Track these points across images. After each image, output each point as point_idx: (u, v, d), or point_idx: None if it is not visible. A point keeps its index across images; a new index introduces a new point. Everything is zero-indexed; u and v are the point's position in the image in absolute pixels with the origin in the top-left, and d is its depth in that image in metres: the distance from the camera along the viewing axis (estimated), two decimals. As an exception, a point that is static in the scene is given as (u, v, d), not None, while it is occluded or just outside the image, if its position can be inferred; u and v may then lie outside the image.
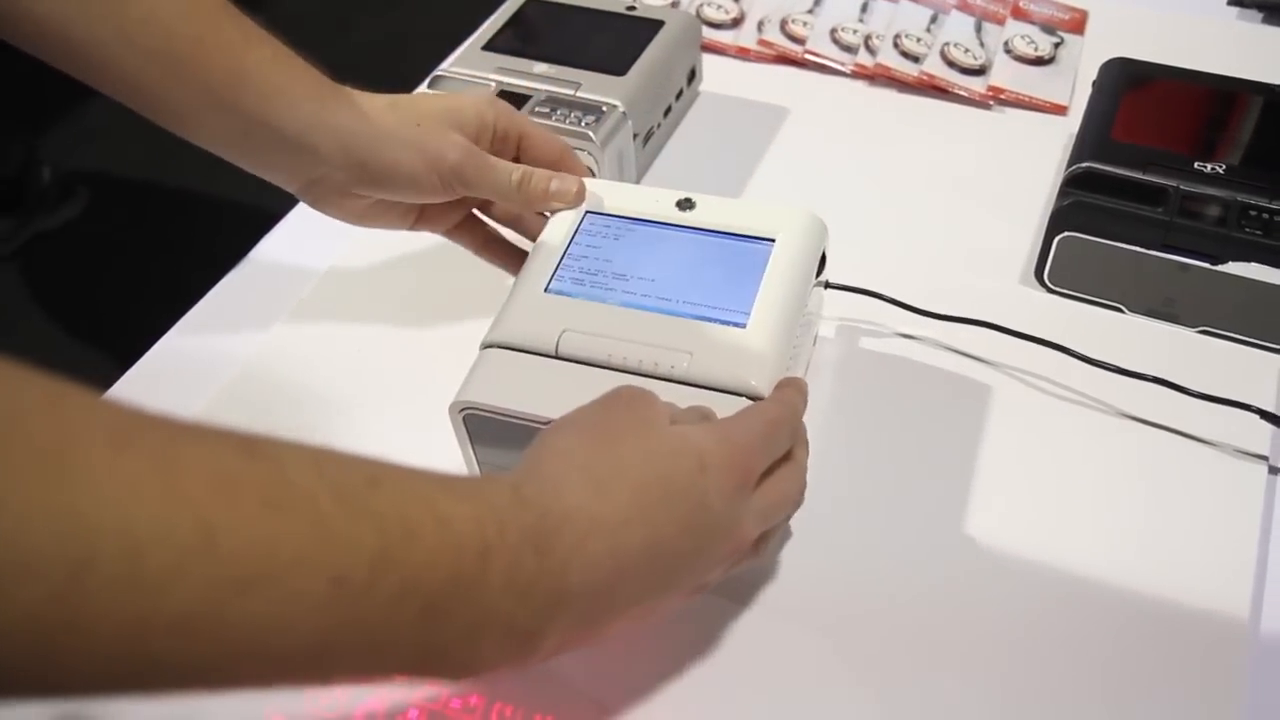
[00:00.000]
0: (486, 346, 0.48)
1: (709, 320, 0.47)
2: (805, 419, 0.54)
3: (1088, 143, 0.60)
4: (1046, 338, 0.55)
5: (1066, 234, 0.58)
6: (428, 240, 0.58)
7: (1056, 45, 0.77)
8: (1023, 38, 0.77)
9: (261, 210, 0.70)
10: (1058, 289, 0.61)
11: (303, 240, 0.68)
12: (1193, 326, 0.58)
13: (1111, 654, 0.45)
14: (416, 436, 0.54)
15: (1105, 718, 0.43)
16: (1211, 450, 0.53)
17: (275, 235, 0.69)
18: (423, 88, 0.67)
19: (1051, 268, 0.60)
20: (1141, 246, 0.57)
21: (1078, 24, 0.79)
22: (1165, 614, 0.47)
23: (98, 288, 1.75)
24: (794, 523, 0.50)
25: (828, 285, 0.56)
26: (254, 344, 0.61)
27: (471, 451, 0.49)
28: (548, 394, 0.45)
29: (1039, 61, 0.76)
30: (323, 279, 0.65)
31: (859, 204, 0.67)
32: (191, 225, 1.82)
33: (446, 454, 0.49)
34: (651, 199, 0.53)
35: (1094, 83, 0.65)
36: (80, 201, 1.88)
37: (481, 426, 0.47)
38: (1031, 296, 0.61)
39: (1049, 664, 0.45)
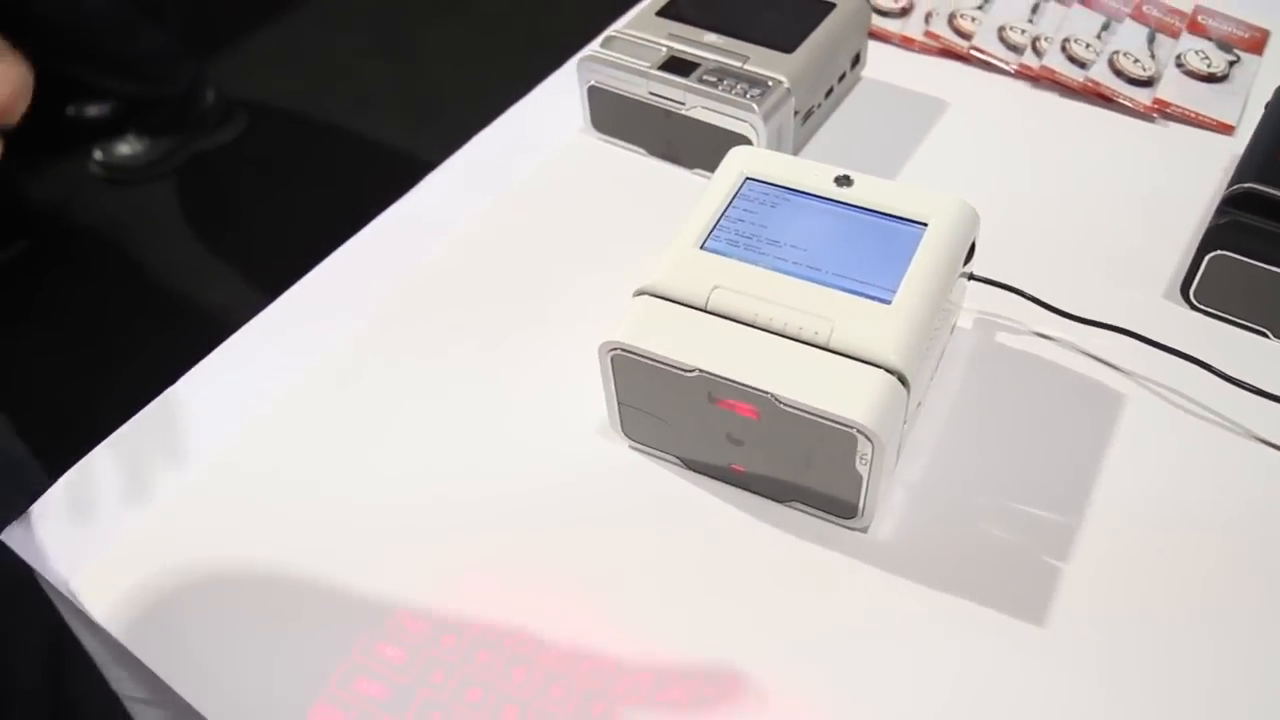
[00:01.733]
0: (639, 294, 0.51)
1: (856, 294, 0.49)
2: (932, 406, 0.56)
3: (1253, 163, 0.59)
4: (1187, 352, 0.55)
5: (1219, 252, 0.58)
6: (586, 191, 0.61)
7: (1231, 63, 0.76)
8: (1197, 53, 0.76)
9: (409, 156, 0.74)
10: (1202, 307, 0.60)
11: (471, 176, 0.71)
12: (1340, 360, 0.58)
13: (1226, 683, 0.46)
14: (562, 369, 0.58)
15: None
16: (1345, 485, 0.52)
17: (436, 176, 0.72)
18: (595, 45, 0.70)
19: (1199, 285, 0.60)
20: (1297, 273, 0.56)
21: (1258, 44, 0.78)
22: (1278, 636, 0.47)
23: (246, 211, 1.84)
24: (912, 505, 0.52)
25: (971, 277, 0.57)
26: (416, 270, 0.65)
27: (614, 389, 0.52)
28: (693, 344, 0.48)
29: (1211, 78, 0.75)
30: (487, 214, 0.68)
31: (1008, 202, 0.67)
32: (340, 160, 1.90)
33: (590, 389, 0.53)
34: (811, 172, 0.54)
35: (1268, 104, 0.64)
36: (238, 126, 1.97)
37: (626, 367, 0.50)
38: (1174, 311, 0.61)
39: (1158, 686, 0.46)
